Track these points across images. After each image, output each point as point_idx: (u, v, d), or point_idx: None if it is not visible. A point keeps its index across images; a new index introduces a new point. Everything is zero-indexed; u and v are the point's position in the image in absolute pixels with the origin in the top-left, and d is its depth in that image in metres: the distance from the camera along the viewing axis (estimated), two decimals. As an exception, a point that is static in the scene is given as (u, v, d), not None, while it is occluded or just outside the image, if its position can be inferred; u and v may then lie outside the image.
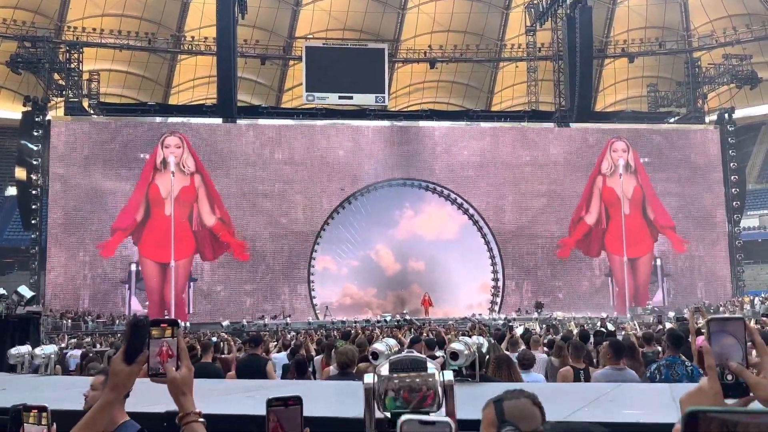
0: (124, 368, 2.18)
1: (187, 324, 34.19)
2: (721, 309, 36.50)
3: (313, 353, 12.62)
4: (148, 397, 4.17)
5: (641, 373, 7.80)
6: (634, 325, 22.11)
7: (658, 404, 3.61)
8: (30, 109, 39.39)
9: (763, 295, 38.78)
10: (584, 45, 41.68)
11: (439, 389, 2.45)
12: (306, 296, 40.24)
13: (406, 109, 50.37)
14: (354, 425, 2.59)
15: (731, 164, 43.17)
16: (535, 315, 35.48)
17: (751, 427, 0.85)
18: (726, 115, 44.27)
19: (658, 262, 42.43)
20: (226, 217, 39.61)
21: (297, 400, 2.27)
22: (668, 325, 15.93)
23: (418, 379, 2.44)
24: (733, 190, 43.23)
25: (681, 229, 42.48)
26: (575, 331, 14.92)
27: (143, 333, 2.20)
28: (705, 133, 44.45)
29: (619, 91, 53.93)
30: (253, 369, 8.97)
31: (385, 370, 2.47)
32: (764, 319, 15.51)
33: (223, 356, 11.63)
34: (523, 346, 10.84)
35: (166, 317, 2.38)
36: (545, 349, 11.21)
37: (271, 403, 2.26)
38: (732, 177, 43.17)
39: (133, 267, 38.70)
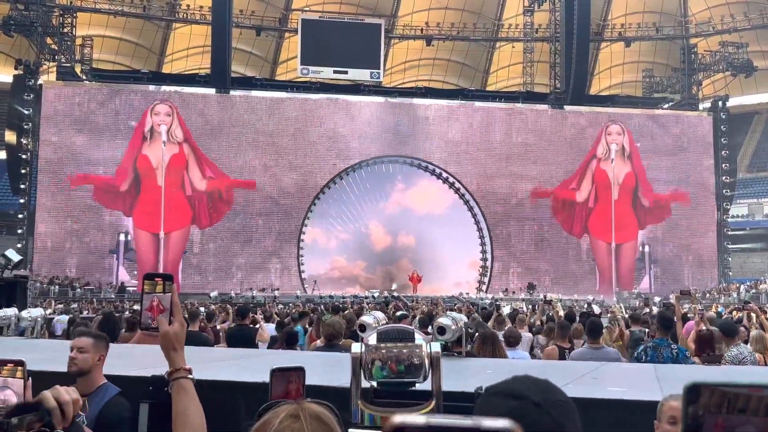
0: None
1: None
2: (707, 296, 36.79)
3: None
4: (137, 362, 4.19)
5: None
6: (621, 308, 22.24)
7: (642, 382, 3.64)
8: (22, 72, 39.03)
9: (748, 283, 39.09)
10: (581, 27, 41.51)
11: (426, 360, 2.46)
12: (295, 270, 40.28)
13: (400, 86, 50.12)
14: (339, 394, 2.60)
15: (723, 152, 43.29)
16: (523, 295, 35.69)
17: (753, 399, 0.86)
18: (720, 103, 44.33)
19: (646, 248, 42.63)
20: (216, 172, 39.48)
21: (299, 370, 2.28)
22: (655, 310, 16.04)
23: (405, 350, 2.45)
24: (724, 178, 43.39)
25: (671, 216, 42.66)
26: (561, 313, 15.00)
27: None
28: (698, 120, 44.51)
29: (615, 75, 53.83)
30: (243, 339, 9.09)
31: (372, 339, 2.48)
32: (750, 305, 15.66)
33: (212, 326, 11.66)
34: (509, 325, 10.92)
35: (161, 272, 2.36)
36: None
37: (275, 372, 2.27)
38: (723, 165, 43.33)
39: (122, 237, 38.57)
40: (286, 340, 8.53)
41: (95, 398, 3.54)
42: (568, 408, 1.33)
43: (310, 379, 3.35)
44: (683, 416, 0.89)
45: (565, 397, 1.35)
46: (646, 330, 9.96)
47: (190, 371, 2.22)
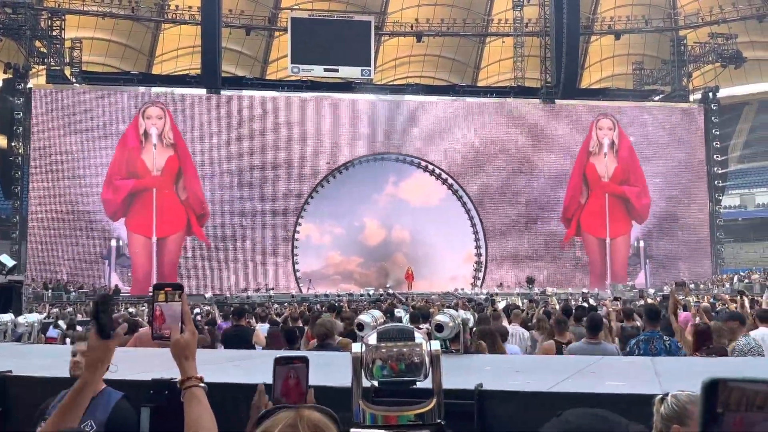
0: (101, 343, 2.17)
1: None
2: (701, 287, 36.92)
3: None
4: (137, 365, 4.19)
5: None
6: (613, 301, 22.31)
7: (640, 376, 3.67)
8: (11, 76, 38.85)
9: (741, 274, 39.26)
10: (571, 21, 41.58)
11: (426, 359, 2.47)
12: (290, 270, 40.23)
13: (392, 83, 50.11)
14: (339, 394, 2.61)
15: (714, 143, 43.44)
16: (518, 290, 35.74)
17: None
18: (710, 94, 44.48)
19: (641, 243, 42.69)
20: (195, 195, 39.21)
21: (303, 360, 2.28)
22: (650, 302, 16.09)
23: (405, 349, 2.46)
24: (716, 169, 43.54)
25: (664, 208, 42.74)
26: (557, 307, 15.05)
27: (110, 308, 2.19)
28: (689, 112, 44.63)
29: (605, 68, 53.92)
30: (240, 340, 9.08)
31: (372, 339, 2.50)
32: (723, 296, 15.79)
33: (208, 328, 11.66)
34: (505, 321, 10.94)
35: (170, 282, 2.37)
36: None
37: (279, 361, 2.27)
38: (715, 156, 43.48)
39: (113, 243, 38.40)
40: (287, 339, 8.56)
41: (100, 402, 3.52)
42: None
43: (312, 380, 3.36)
44: (701, 413, 0.89)
45: None
46: (639, 325, 10.01)
47: (201, 380, 2.23)
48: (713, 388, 0.89)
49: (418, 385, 2.47)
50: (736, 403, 0.86)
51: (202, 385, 2.23)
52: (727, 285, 36.70)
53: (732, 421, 0.87)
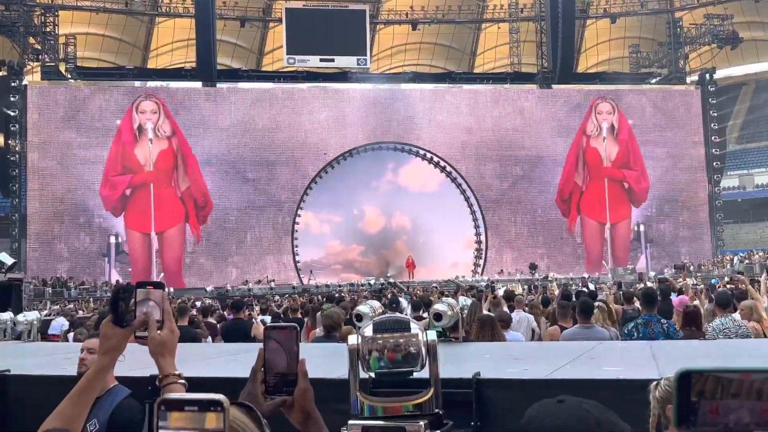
0: (116, 331, 2.17)
1: (171, 289, 34.15)
2: (702, 268, 36.97)
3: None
4: (134, 361, 4.18)
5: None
6: (612, 285, 22.36)
7: (638, 361, 3.67)
8: (6, 73, 38.74)
9: (741, 255, 39.30)
10: (566, 5, 41.44)
11: (423, 349, 2.47)
12: (290, 261, 40.25)
13: (388, 72, 49.98)
14: (338, 386, 2.61)
15: (712, 125, 43.38)
16: (519, 276, 35.77)
17: (745, 384, 0.87)
18: (707, 76, 44.37)
19: (641, 228, 42.68)
20: (197, 185, 39.13)
21: (293, 329, 2.26)
22: (650, 285, 16.14)
23: (401, 340, 2.46)
24: (714, 150, 43.49)
25: (663, 190, 42.73)
26: (557, 292, 15.06)
27: (130, 297, 2.18)
28: (686, 94, 44.54)
29: (601, 52, 53.72)
30: (239, 333, 9.08)
31: (369, 331, 2.49)
32: (739, 276, 15.93)
33: (207, 321, 11.66)
34: (505, 307, 10.92)
35: (152, 280, 2.36)
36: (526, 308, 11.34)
37: (269, 330, 2.25)
38: (713, 137, 43.43)
39: (113, 239, 38.38)
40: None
41: (105, 401, 3.51)
42: None
43: (309, 372, 3.35)
44: (675, 403, 0.90)
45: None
46: (639, 307, 10.03)
47: (180, 376, 2.22)
48: (687, 378, 0.90)
49: (416, 375, 2.47)
50: (710, 392, 0.87)
51: (181, 381, 2.22)
52: (728, 266, 36.76)
53: (708, 409, 0.88)
